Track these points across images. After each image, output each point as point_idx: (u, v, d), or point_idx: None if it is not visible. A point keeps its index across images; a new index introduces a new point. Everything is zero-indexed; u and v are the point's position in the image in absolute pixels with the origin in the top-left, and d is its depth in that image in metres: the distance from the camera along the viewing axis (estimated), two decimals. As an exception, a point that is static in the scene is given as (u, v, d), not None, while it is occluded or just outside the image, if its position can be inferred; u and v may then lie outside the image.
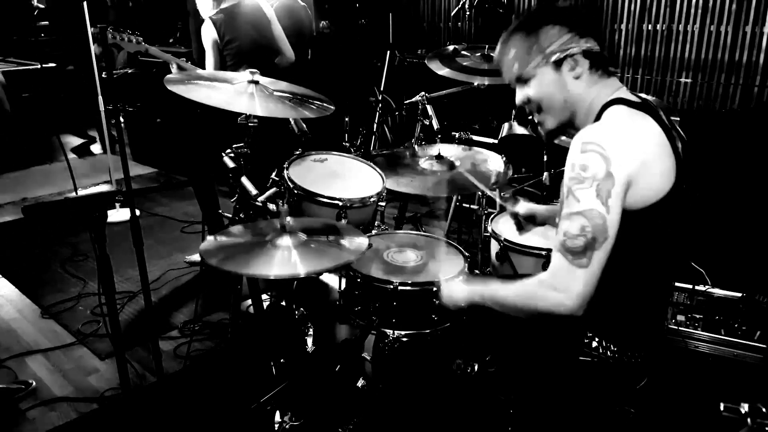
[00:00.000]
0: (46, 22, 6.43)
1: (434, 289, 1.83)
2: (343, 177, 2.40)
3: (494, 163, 2.62)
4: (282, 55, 3.39)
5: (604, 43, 1.46)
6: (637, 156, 1.32)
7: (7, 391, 2.48)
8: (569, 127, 1.53)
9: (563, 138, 2.65)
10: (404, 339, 1.92)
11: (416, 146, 2.83)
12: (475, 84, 3.12)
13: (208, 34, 3.13)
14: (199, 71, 3.26)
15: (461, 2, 5.08)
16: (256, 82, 2.16)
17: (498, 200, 2.15)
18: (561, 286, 1.32)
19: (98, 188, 4.47)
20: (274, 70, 3.35)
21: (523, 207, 1.97)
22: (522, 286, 1.43)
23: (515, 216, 1.98)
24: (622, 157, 1.30)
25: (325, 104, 2.28)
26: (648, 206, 1.35)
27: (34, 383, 2.54)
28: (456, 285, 1.68)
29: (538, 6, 1.51)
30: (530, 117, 1.59)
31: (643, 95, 1.58)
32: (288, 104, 2.17)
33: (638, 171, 1.31)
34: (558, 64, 1.45)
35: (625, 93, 1.45)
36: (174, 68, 3.17)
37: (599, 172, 1.29)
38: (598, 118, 1.41)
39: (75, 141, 6.21)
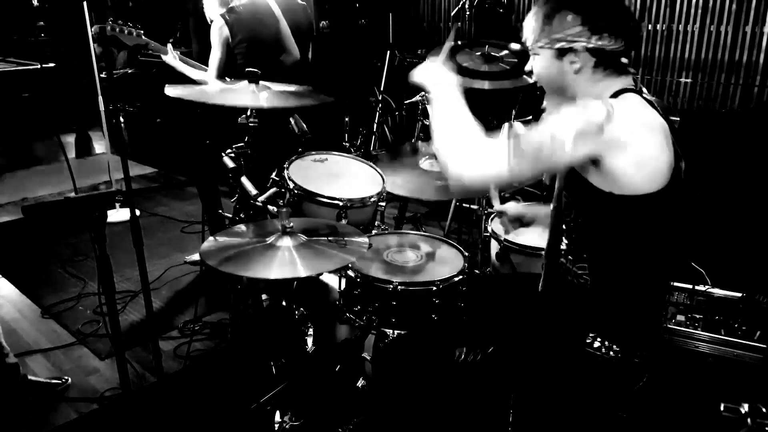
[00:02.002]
0: (41, 23, 6.43)
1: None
2: (343, 177, 2.40)
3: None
4: (288, 53, 3.39)
5: (628, 42, 1.43)
6: (636, 132, 1.33)
7: (48, 385, 2.50)
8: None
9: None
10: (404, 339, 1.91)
11: (419, 143, 2.84)
12: (476, 85, 3.11)
13: (220, 32, 3.12)
14: (196, 64, 3.26)
15: (461, 2, 5.08)
16: (257, 81, 2.17)
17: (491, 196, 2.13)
18: (490, 158, 1.34)
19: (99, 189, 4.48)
20: (281, 69, 3.35)
21: (512, 207, 1.96)
22: (465, 132, 1.40)
23: (500, 215, 1.97)
24: (622, 123, 1.31)
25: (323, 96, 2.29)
26: (642, 195, 1.36)
27: (69, 379, 2.56)
28: (434, 68, 1.53)
29: None
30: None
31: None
32: (289, 94, 2.18)
33: (631, 145, 1.32)
34: (561, 53, 1.45)
35: (638, 88, 1.45)
36: (169, 55, 3.14)
37: (596, 118, 1.30)
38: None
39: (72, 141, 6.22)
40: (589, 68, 1.45)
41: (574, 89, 1.49)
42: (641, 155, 1.34)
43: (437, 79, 1.51)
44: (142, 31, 3.00)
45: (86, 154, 6.17)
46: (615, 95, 1.42)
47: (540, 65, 1.50)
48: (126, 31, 2.96)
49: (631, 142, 1.32)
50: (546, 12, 1.45)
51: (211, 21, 3.18)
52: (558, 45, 1.44)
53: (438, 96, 1.48)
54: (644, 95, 1.44)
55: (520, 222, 1.94)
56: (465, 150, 1.37)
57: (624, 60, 1.45)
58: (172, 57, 3.16)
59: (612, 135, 1.30)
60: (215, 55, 3.14)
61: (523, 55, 2.96)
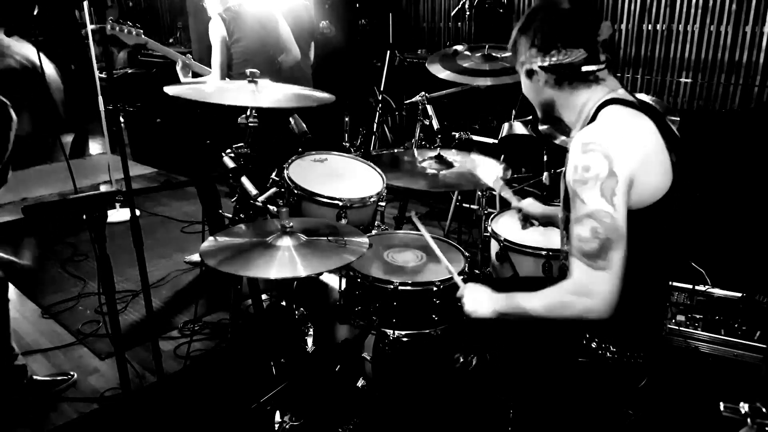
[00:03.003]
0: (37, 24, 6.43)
1: (457, 295, 1.69)
2: (343, 177, 2.40)
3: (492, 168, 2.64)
4: (287, 53, 3.39)
5: (590, 49, 1.42)
6: (636, 153, 1.33)
7: (51, 383, 2.50)
8: (561, 123, 1.57)
9: (564, 138, 2.65)
10: (404, 339, 1.91)
11: (415, 149, 2.84)
12: (476, 84, 3.12)
13: (217, 31, 3.13)
14: (203, 68, 3.27)
15: (461, 2, 5.08)
16: (256, 82, 2.17)
17: (504, 194, 2.14)
18: (585, 291, 1.33)
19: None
20: (279, 70, 3.35)
21: (528, 205, 1.98)
22: (547, 297, 1.41)
23: (519, 211, 1.99)
24: (623, 154, 1.31)
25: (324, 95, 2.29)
26: (647, 206, 1.36)
27: (75, 375, 2.57)
28: (480, 297, 1.60)
29: (528, 11, 1.55)
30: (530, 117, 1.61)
31: (643, 96, 1.58)
32: (290, 93, 2.18)
33: (639, 169, 1.32)
34: (529, 74, 1.51)
35: (620, 94, 1.44)
36: (179, 65, 3.16)
37: (602, 171, 1.30)
38: (593, 118, 1.41)
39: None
40: (552, 84, 1.48)
41: (553, 104, 1.53)
42: (650, 171, 1.34)
43: (489, 307, 1.55)
44: (141, 31, 3.01)
45: (80, 155, 6.16)
46: (598, 110, 1.41)
47: (522, 85, 1.58)
48: (126, 30, 2.96)
49: (639, 166, 1.32)
50: (513, 39, 1.54)
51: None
52: (524, 67, 1.51)
53: (508, 313, 1.51)
54: (625, 98, 1.43)
55: (537, 219, 1.98)
56: (574, 314, 1.36)
57: (589, 68, 1.43)
58: (182, 74, 3.17)
59: (622, 173, 1.31)
60: (216, 56, 3.14)
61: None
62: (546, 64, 1.45)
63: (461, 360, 1.78)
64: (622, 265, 1.32)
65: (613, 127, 1.36)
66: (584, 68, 1.43)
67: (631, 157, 1.31)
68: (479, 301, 1.58)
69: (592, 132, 1.36)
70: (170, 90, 2.01)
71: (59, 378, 2.54)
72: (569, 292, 1.36)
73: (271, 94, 2.15)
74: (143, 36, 3.03)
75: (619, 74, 1.52)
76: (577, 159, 1.34)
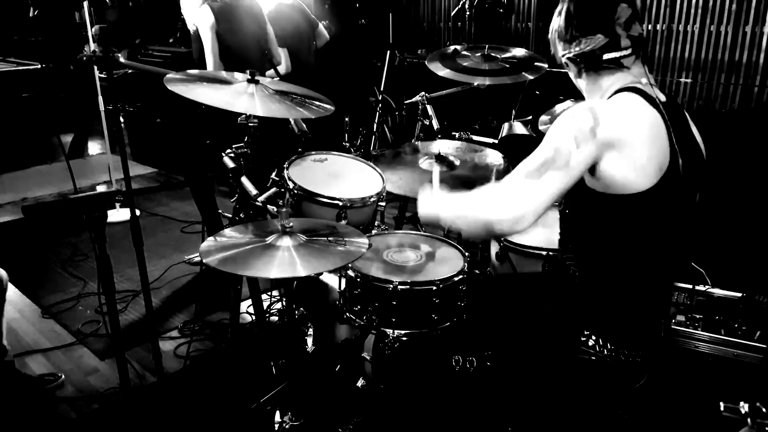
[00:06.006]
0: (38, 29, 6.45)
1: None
2: (343, 177, 2.40)
3: (494, 159, 2.64)
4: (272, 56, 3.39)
5: (608, 34, 1.43)
6: (625, 129, 1.34)
7: (39, 381, 2.51)
8: None
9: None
10: (404, 339, 1.92)
11: (418, 143, 2.84)
12: (475, 84, 3.12)
13: (206, 20, 3.09)
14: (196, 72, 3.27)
15: (461, 2, 5.08)
16: (257, 82, 2.16)
17: None
18: (504, 197, 1.35)
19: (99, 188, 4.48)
20: (270, 62, 3.35)
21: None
22: (473, 196, 1.43)
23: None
24: (609, 126, 1.33)
25: (324, 104, 2.27)
26: (630, 194, 1.36)
27: (63, 376, 2.57)
28: (429, 200, 1.60)
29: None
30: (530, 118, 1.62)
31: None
32: (288, 104, 2.17)
33: (622, 142, 1.33)
34: (566, 65, 1.55)
35: (642, 84, 1.44)
36: None
37: (585, 124, 1.33)
38: None
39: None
40: (579, 74, 1.52)
41: (583, 92, 1.55)
42: (632, 155, 1.34)
43: (435, 209, 1.55)
44: (119, 55, 3.01)
45: (80, 155, 6.16)
46: (614, 95, 1.43)
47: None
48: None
49: (622, 142, 1.33)
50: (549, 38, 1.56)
51: (194, 27, 3.17)
52: (562, 60, 1.53)
53: (447, 216, 1.52)
54: (646, 90, 1.43)
55: None
56: (489, 209, 1.38)
57: (610, 55, 1.44)
58: None
59: (604, 136, 1.32)
60: (208, 44, 3.12)
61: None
62: (571, 55, 1.48)
63: (461, 362, 1.78)
64: (552, 193, 1.33)
65: (615, 105, 1.39)
66: (606, 56, 1.44)
67: (617, 129, 1.33)
68: (427, 205, 1.58)
69: (595, 102, 1.41)
70: (171, 85, 1.99)
71: (46, 378, 2.54)
72: (490, 195, 1.38)
73: (272, 104, 2.12)
74: (123, 59, 3.03)
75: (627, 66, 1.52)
76: (568, 110, 1.39)
